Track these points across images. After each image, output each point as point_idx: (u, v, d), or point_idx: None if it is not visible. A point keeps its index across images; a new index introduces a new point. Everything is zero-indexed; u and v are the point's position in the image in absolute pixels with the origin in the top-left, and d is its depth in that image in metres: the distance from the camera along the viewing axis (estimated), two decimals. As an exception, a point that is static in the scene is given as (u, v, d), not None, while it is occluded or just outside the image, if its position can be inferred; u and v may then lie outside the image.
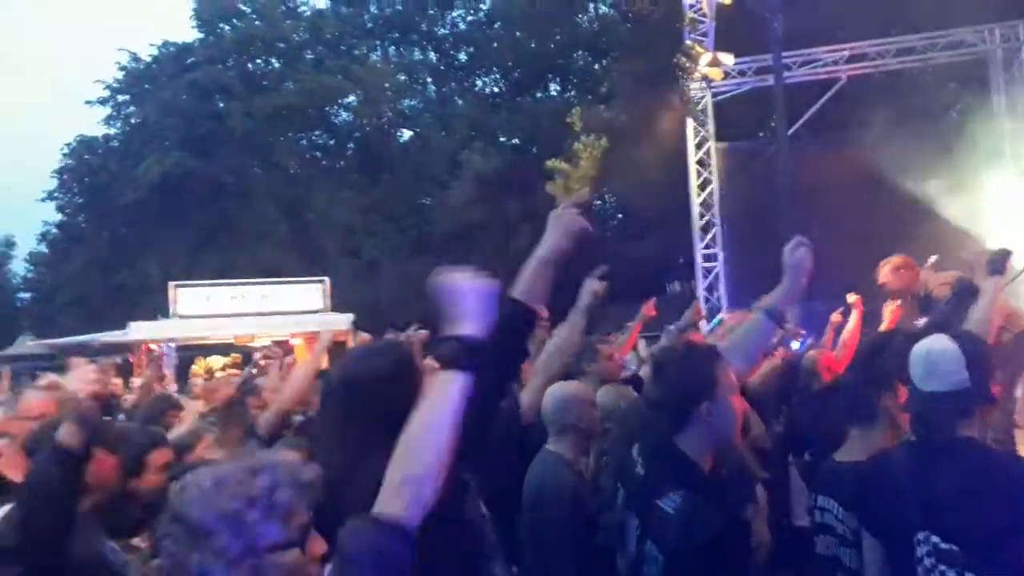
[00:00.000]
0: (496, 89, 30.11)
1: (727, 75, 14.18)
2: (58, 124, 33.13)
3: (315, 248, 24.39)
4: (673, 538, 2.07)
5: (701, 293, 14.29)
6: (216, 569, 1.17)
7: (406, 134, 30.45)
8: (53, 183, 31.63)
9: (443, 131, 27.59)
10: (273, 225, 25.84)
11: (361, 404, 1.95)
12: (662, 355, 2.78)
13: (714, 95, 14.60)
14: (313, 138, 30.81)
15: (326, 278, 16.92)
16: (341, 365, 2.20)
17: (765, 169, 12.53)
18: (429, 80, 31.54)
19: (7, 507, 2.31)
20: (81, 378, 2.11)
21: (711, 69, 13.57)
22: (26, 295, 40.49)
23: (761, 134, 17.26)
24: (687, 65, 13.84)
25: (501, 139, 26.69)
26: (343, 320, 15.27)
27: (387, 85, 29.08)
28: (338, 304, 16.40)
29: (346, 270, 21.62)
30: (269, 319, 15.56)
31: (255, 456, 1.32)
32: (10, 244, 45.29)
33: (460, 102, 29.46)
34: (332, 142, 30.92)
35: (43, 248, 34.89)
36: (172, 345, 16.03)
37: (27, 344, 21.18)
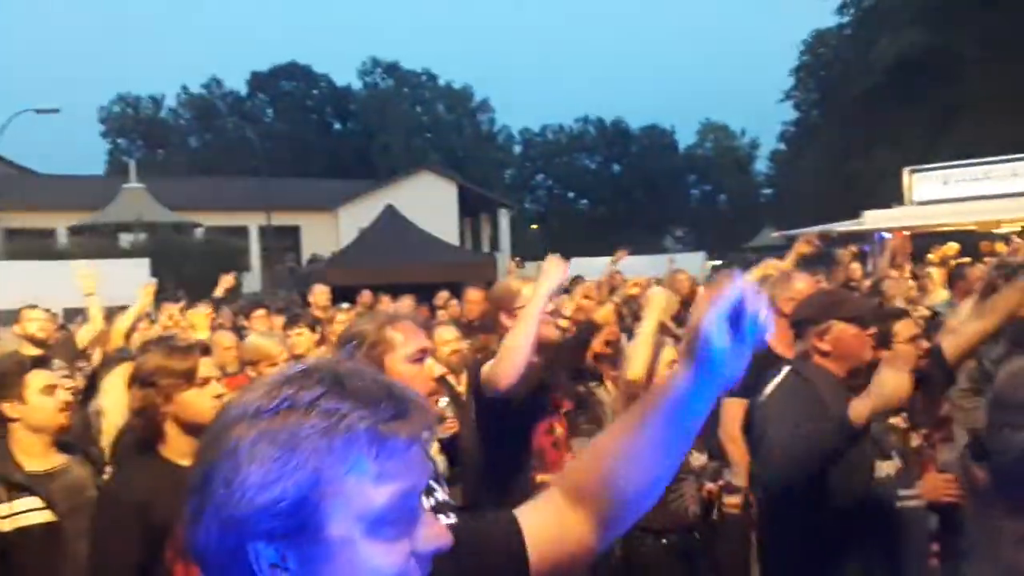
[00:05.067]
0: None
1: None
2: (797, 20, 34.64)
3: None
4: None
5: None
6: None
7: None
8: (790, 83, 33.53)
9: None
10: (1027, 91, 21.88)
11: None
12: None
13: None
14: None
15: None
16: None
17: None
18: None
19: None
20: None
21: None
22: (768, 191, 44.77)
23: None
24: None
25: None
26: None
27: None
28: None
29: None
30: (1016, 202, 13.33)
31: None
32: (755, 146, 50.43)
33: None
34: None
35: (781, 146, 37.68)
36: (906, 234, 15.30)
37: (770, 236, 23.28)
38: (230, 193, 28.12)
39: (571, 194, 52.99)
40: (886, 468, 2.52)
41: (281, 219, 25.68)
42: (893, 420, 2.84)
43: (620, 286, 9.01)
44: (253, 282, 24.23)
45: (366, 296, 8.91)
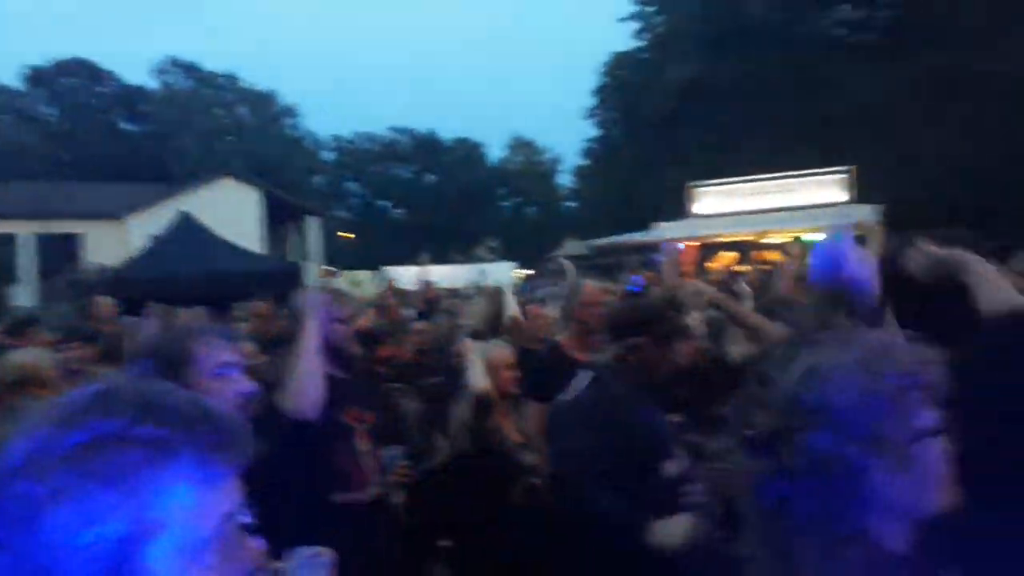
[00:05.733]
0: None
1: None
2: (599, 42, 36.55)
3: (841, 136, 22.50)
4: None
5: None
6: (877, 460, 1.04)
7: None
8: (593, 101, 35.36)
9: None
10: (795, 116, 24.63)
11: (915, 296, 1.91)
12: None
13: None
14: (839, 11, 28.10)
15: (850, 167, 15.44)
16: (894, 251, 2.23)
17: None
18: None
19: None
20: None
21: None
22: (572, 204, 47.01)
23: None
24: None
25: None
26: (868, 212, 13.82)
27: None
28: (867, 196, 14.89)
29: (877, 158, 19.40)
30: (783, 215, 14.93)
31: (883, 336, 1.16)
32: (558, 161, 52.94)
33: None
34: (861, 13, 27.80)
35: (585, 162, 39.70)
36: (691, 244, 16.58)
37: (573, 247, 24.41)
38: (-2, 199, 25.10)
39: (385, 203, 52.51)
40: (671, 467, 2.69)
41: (61, 227, 23.35)
42: (673, 417, 3.06)
43: (435, 296, 9.09)
44: (26, 296, 21.79)
45: (155, 308, 8.31)
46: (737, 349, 3.60)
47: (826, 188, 15.39)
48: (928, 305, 1.82)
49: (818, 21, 27.40)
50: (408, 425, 4.31)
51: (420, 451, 4.21)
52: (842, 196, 15.05)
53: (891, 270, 2.09)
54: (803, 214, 14.71)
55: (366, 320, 4.66)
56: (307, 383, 2.50)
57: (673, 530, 2.36)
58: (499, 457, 3.34)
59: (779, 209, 15.25)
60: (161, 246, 14.33)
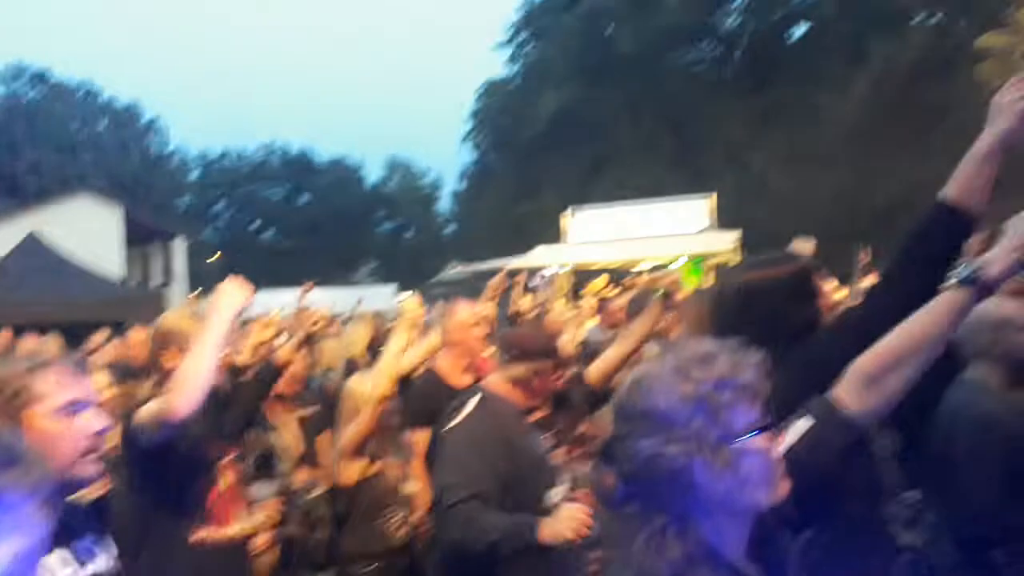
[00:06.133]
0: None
1: None
2: (475, 70, 37.02)
3: (701, 164, 23.80)
4: None
5: None
6: (697, 458, 1.12)
7: (799, 31, 27.93)
8: (470, 125, 35.73)
9: (843, 19, 24.63)
10: (659, 145, 25.84)
11: (754, 314, 1.91)
12: None
13: None
14: (699, 49, 29.87)
15: (711, 193, 16.27)
16: (735, 273, 2.31)
17: None
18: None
19: None
20: None
21: None
22: (452, 227, 47.05)
23: None
24: None
25: (914, 19, 22.85)
26: (728, 239, 14.61)
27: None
28: (725, 222, 15.74)
29: (733, 185, 20.63)
30: (651, 241, 15.49)
31: (702, 344, 1.23)
32: (437, 186, 52.83)
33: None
34: (718, 52, 29.69)
35: (463, 185, 39.96)
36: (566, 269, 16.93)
37: (454, 270, 24.42)
38: None
39: (256, 224, 50.72)
40: (555, 495, 2.68)
41: None
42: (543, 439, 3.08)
43: (313, 322, 8.79)
44: None
45: (4, 336, 7.69)
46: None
47: (689, 214, 16.13)
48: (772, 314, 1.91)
49: (681, 57, 29.01)
50: (280, 459, 4.17)
51: (293, 486, 4.08)
52: (703, 222, 15.82)
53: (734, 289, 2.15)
54: (668, 241, 15.31)
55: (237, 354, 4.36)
56: (194, 381, 2.23)
57: (560, 523, 2.34)
58: (378, 488, 3.30)
59: (643, 237, 15.79)
60: (7, 270, 13.25)
